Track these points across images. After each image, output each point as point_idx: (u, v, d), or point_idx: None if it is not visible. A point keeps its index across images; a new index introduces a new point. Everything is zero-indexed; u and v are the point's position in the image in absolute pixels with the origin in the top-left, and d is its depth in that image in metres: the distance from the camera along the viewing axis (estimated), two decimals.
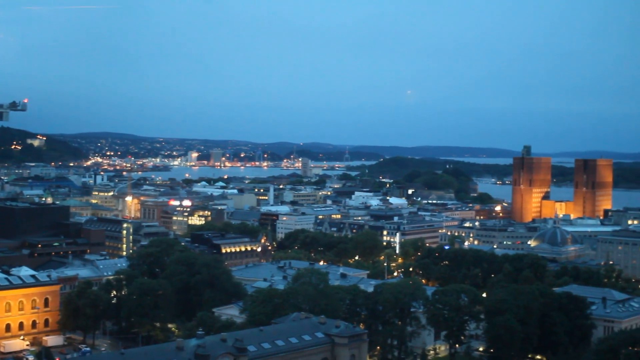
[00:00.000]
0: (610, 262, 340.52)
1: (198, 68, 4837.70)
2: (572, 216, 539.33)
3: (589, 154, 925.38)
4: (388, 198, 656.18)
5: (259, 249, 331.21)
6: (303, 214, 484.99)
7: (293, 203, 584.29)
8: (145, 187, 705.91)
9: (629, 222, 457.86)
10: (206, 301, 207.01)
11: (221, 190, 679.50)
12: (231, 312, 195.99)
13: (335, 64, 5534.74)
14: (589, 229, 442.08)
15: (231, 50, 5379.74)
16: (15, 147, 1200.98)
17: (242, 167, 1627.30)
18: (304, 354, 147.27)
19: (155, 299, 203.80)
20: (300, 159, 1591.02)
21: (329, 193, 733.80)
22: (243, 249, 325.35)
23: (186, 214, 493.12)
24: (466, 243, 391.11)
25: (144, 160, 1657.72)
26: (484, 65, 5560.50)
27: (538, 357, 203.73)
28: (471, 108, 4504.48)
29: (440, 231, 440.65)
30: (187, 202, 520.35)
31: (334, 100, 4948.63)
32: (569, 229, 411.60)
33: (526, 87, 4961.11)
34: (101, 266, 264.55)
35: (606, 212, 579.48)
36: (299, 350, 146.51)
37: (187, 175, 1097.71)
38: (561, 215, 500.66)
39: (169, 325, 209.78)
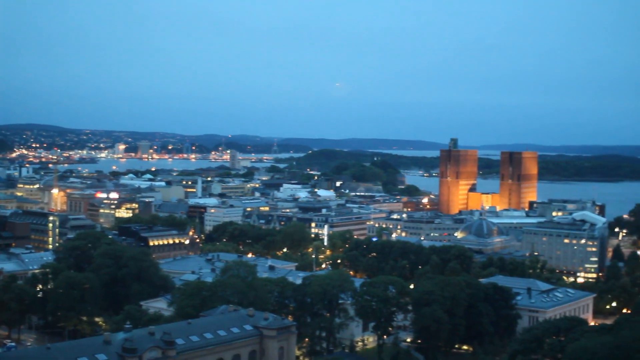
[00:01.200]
0: (535, 253, 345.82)
1: (124, 60, 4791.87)
2: (498, 208, 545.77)
3: (515, 147, 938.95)
4: (316, 190, 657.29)
5: (187, 242, 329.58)
6: (231, 206, 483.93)
7: (221, 195, 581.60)
8: (71, 179, 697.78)
9: (554, 213, 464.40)
10: (134, 294, 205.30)
11: (149, 183, 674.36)
12: (159, 305, 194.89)
13: (264, 57, 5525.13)
14: (514, 221, 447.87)
15: (158, 42, 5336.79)
16: None
17: (170, 160, 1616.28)
18: (232, 346, 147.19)
19: (82, 293, 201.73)
20: (228, 151, 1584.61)
21: (257, 185, 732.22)
22: (171, 241, 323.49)
23: (113, 206, 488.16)
24: (394, 235, 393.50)
25: (71, 153, 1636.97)
26: (412, 59, 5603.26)
27: (465, 347, 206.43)
28: (399, 101, 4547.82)
29: (368, 223, 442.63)
30: (114, 195, 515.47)
31: (262, 92, 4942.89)
32: (495, 220, 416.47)
33: (454, 81, 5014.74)
34: (26, 260, 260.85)
35: (531, 203, 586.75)
36: (228, 343, 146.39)
37: (114, 167, 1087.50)
38: (487, 207, 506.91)
39: (96, 319, 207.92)
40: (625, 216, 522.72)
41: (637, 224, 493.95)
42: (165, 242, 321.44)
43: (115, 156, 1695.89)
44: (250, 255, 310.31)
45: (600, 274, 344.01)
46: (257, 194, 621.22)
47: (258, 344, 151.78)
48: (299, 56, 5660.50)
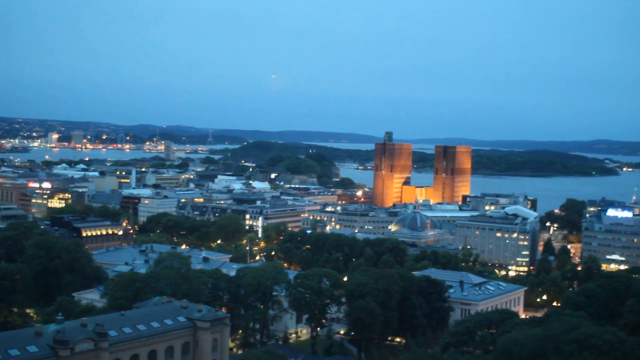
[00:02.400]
0: (468, 247, 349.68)
1: (57, 48, 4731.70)
2: (432, 201, 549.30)
3: (449, 141, 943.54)
4: (251, 182, 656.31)
5: (121, 233, 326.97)
6: (165, 197, 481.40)
7: (155, 186, 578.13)
8: (3, 168, 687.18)
9: (486, 207, 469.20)
10: (66, 285, 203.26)
11: (82, 173, 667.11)
12: (92, 296, 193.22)
13: (199, 47, 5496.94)
14: (447, 214, 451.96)
15: (92, 32, 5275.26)
16: None
17: (104, 150, 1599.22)
18: (165, 338, 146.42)
19: (13, 284, 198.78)
20: (163, 142, 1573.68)
21: (191, 176, 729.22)
22: (104, 232, 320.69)
23: (46, 196, 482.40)
24: (328, 227, 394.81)
25: (2, 141, 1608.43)
26: (348, 53, 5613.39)
27: (397, 339, 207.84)
28: (335, 94, 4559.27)
29: (302, 215, 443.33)
30: (46, 185, 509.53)
31: (197, 83, 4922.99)
32: (429, 214, 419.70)
33: (389, 75, 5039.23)
34: None
35: (464, 197, 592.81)
36: (161, 335, 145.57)
37: (47, 157, 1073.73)
38: (421, 201, 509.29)
39: (27, 311, 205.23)
40: (556, 211, 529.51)
41: (568, 218, 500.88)
42: (99, 232, 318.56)
43: (48, 145, 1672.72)
44: (184, 246, 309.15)
45: (531, 268, 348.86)
46: (191, 185, 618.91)
47: (191, 335, 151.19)
48: (235, 47, 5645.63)
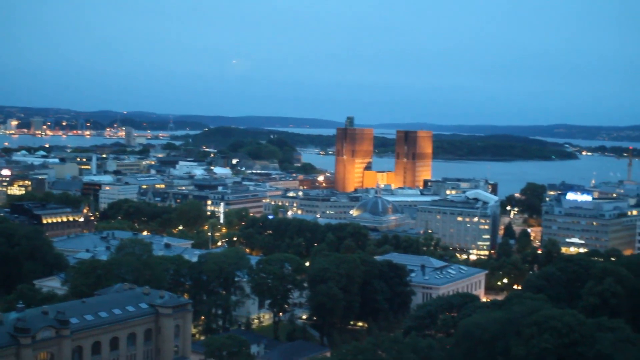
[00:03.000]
0: (429, 231, 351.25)
1: (15, 33, 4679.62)
2: (393, 186, 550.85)
3: (410, 126, 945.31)
4: (212, 168, 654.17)
5: (82, 220, 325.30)
6: (126, 183, 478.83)
7: (116, 173, 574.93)
8: None
9: (447, 192, 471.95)
10: (26, 273, 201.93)
11: (42, 160, 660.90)
12: (53, 284, 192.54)
13: (160, 33, 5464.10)
14: (409, 199, 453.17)
15: (53, 16, 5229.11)
16: None
17: (64, 136, 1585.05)
18: (127, 325, 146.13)
19: None
20: (123, 128, 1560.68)
21: (152, 162, 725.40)
22: (65, 219, 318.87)
23: (5, 183, 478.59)
24: (290, 213, 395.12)
25: None
26: (310, 38, 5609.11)
27: (360, 323, 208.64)
28: (297, 79, 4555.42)
29: (264, 201, 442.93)
30: (6, 172, 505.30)
31: (158, 69, 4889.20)
32: (390, 198, 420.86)
33: (350, 60, 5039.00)
34: None
35: (426, 182, 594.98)
36: (123, 322, 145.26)
37: (6, 144, 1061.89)
38: (382, 186, 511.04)
39: None
40: (516, 195, 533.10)
41: (528, 202, 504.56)
42: (59, 220, 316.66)
43: (7, 132, 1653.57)
44: (145, 233, 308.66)
45: (492, 251, 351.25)
46: (152, 172, 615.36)
47: (154, 322, 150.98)
48: (196, 33, 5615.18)
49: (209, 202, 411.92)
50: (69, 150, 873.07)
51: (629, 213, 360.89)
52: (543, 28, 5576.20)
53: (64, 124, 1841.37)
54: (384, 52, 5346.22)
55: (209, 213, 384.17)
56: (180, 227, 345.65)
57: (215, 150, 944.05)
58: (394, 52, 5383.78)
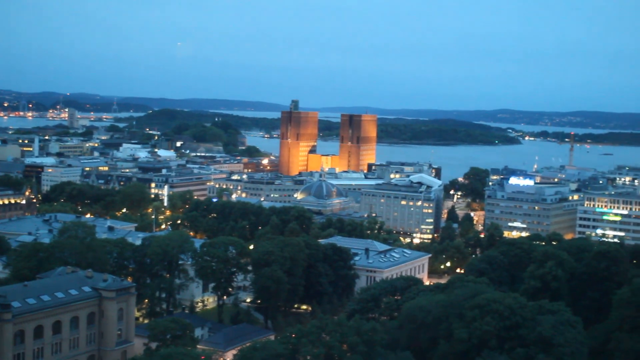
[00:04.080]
0: (373, 215, 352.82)
1: None
2: (338, 170, 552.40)
3: (355, 110, 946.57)
4: (156, 150, 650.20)
5: (23, 202, 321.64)
6: (69, 166, 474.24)
7: (59, 155, 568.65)
8: None
9: (391, 175, 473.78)
10: None
11: None
12: None
13: (104, 14, 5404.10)
14: (353, 182, 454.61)
15: None
16: None
17: (5, 117, 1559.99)
18: (70, 308, 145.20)
19: None
20: (66, 110, 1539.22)
21: (96, 145, 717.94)
22: (6, 202, 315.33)
23: None
24: (234, 196, 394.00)
25: None
26: (255, 20, 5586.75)
27: (304, 306, 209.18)
28: (241, 62, 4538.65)
29: (208, 184, 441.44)
30: None
31: (101, 50, 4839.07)
32: (335, 182, 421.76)
33: (296, 43, 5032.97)
34: None
35: (370, 166, 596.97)
36: (66, 305, 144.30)
37: None
38: (327, 169, 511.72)
39: None
40: (460, 179, 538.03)
41: (471, 186, 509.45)
42: (0, 202, 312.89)
43: None
44: (88, 215, 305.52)
45: (435, 235, 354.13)
46: (96, 154, 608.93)
47: (97, 305, 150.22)
48: (140, 14, 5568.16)
49: (153, 185, 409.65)
50: (10, 132, 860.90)
51: (570, 198, 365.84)
52: (488, 14, 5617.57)
53: (6, 105, 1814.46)
54: (330, 35, 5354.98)
55: (152, 196, 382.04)
56: (124, 210, 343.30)
57: (159, 133, 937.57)
58: (340, 36, 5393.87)
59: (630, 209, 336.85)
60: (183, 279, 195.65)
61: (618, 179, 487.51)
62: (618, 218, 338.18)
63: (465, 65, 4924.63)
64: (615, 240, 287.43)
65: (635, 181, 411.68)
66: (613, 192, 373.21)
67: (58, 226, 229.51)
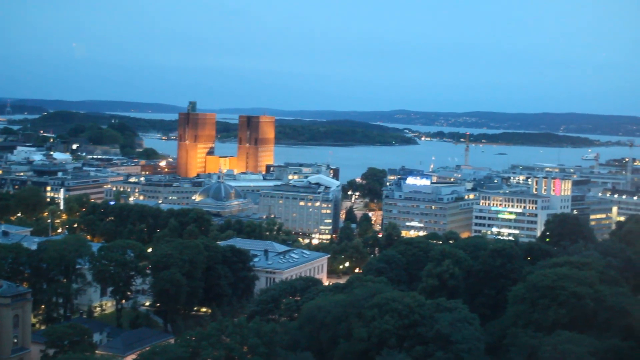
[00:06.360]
0: (272, 216, 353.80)
1: None
2: (236, 171, 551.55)
3: (253, 111, 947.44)
4: (52, 153, 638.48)
5: None
6: None
7: None
8: None
9: (290, 176, 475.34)
10: None
11: None
12: None
13: None
14: (252, 184, 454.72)
15: None
16: None
17: None
18: None
19: None
20: None
21: None
22: None
23: None
24: (131, 198, 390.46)
25: None
26: (151, 21, 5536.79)
27: (204, 309, 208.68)
28: (139, 63, 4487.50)
29: (105, 187, 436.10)
30: None
31: None
32: (233, 183, 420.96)
33: (194, 44, 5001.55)
34: None
35: (268, 167, 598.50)
36: None
37: None
38: (225, 171, 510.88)
39: None
40: (358, 179, 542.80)
41: (369, 186, 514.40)
42: None
43: None
44: None
45: (334, 235, 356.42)
46: None
47: None
48: (34, 14, 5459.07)
49: (49, 188, 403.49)
50: None
51: (466, 197, 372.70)
52: (385, 15, 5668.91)
53: None
54: (228, 37, 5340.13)
55: (48, 199, 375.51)
56: (19, 214, 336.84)
57: (54, 135, 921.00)
58: (239, 37, 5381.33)
59: (524, 207, 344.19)
60: (80, 284, 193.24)
61: (512, 178, 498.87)
62: (512, 216, 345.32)
63: (362, 66, 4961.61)
64: (510, 238, 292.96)
65: (529, 180, 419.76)
66: (507, 191, 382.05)
67: None
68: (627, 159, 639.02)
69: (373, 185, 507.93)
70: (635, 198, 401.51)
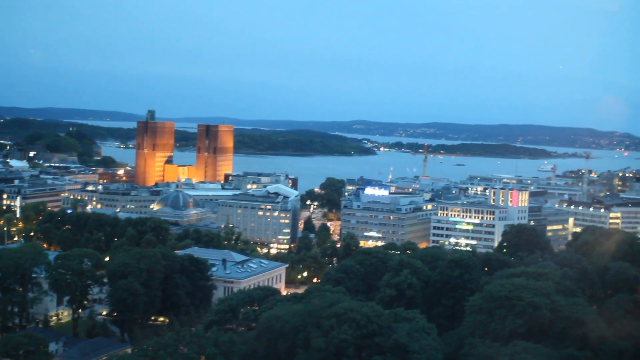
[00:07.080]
0: (230, 225, 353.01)
1: None
2: (194, 180, 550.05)
3: (212, 120, 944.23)
4: (8, 160, 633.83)
5: None
6: None
7: None
8: None
9: (248, 186, 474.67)
10: None
11: None
12: None
13: None
14: (210, 193, 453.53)
15: None
16: None
17: None
18: None
19: None
20: None
21: None
22: None
23: None
24: (89, 207, 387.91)
25: None
26: (110, 28, 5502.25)
27: (161, 318, 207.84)
28: (96, 70, 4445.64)
29: (62, 195, 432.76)
30: None
31: None
32: (191, 192, 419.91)
33: (152, 52, 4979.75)
34: None
35: (227, 176, 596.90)
36: None
37: None
38: (183, 180, 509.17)
39: None
40: (316, 189, 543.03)
41: (328, 196, 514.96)
42: None
43: None
44: None
45: (292, 245, 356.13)
46: None
47: None
48: None
49: (5, 196, 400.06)
50: None
51: (424, 207, 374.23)
52: (343, 27, 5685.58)
53: None
54: (187, 45, 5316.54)
55: (4, 207, 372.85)
56: None
57: (11, 143, 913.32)
58: (198, 46, 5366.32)
59: (482, 218, 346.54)
60: (36, 293, 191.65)
61: (470, 188, 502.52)
62: (470, 227, 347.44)
63: (321, 76, 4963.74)
64: (468, 248, 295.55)
65: (487, 191, 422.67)
66: (465, 202, 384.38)
67: None
68: (583, 171, 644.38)
69: (331, 195, 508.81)
70: (591, 209, 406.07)
